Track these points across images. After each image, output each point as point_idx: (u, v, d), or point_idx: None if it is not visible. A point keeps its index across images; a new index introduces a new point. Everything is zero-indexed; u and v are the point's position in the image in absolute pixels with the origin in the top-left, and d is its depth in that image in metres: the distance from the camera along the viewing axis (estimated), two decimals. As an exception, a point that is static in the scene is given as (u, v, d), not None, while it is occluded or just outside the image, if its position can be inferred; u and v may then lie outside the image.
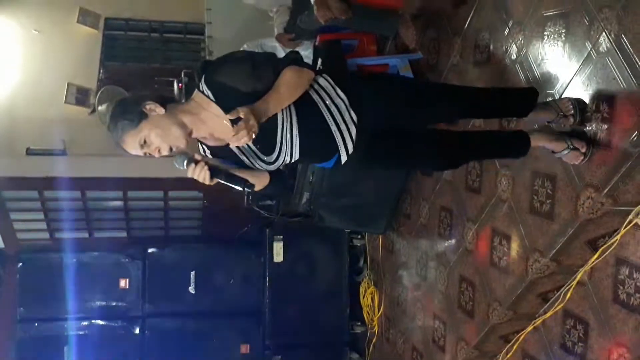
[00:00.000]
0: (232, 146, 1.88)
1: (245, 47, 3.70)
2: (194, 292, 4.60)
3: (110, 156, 4.92)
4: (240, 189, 1.87)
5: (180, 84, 5.15)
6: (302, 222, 4.54)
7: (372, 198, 4.00)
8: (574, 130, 2.22)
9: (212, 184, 1.84)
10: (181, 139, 1.85)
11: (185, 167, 1.82)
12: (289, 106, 1.90)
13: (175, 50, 6.78)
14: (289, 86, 1.87)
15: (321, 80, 1.99)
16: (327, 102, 1.96)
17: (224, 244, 4.86)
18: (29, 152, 5.26)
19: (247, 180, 1.88)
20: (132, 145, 1.84)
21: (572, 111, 2.18)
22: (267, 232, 4.61)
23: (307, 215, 4.31)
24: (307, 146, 1.98)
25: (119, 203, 5.03)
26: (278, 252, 4.60)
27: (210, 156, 1.99)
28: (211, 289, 4.64)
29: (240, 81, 1.83)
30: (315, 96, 1.95)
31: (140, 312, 4.60)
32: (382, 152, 2.16)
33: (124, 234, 5.12)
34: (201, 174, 1.81)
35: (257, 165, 1.99)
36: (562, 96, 2.29)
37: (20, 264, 4.55)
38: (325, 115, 1.96)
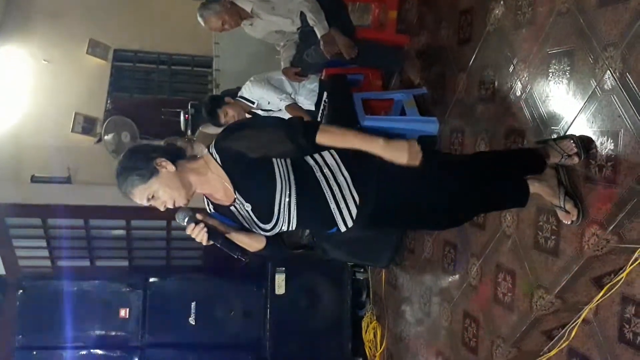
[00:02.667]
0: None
1: (251, 80, 3.74)
2: (194, 323, 4.56)
3: (114, 185, 4.94)
4: (235, 257, 1.94)
5: (187, 116, 5.20)
6: (305, 254, 4.50)
7: (375, 231, 3.98)
8: (571, 191, 2.22)
9: (208, 244, 1.90)
10: (184, 197, 1.90)
11: (185, 223, 1.88)
12: (288, 177, 1.90)
13: (183, 82, 6.85)
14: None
15: (327, 157, 1.97)
16: (329, 181, 1.94)
17: (226, 275, 4.82)
18: (34, 179, 5.31)
19: (243, 249, 1.96)
20: (139, 198, 1.90)
21: (575, 149, 2.18)
22: (269, 264, 4.59)
23: (310, 247, 4.26)
24: (304, 218, 1.98)
25: (121, 232, 5.04)
26: (280, 284, 4.58)
27: (213, 210, 2.03)
28: (212, 321, 4.59)
29: (250, 150, 1.87)
30: (318, 174, 1.94)
31: (139, 342, 4.56)
32: (386, 224, 2.19)
33: (125, 263, 5.11)
34: (199, 235, 1.87)
35: (254, 230, 2.01)
36: (567, 133, 2.30)
37: (21, 291, 4.52)
38: (325, 191, 1.95)
